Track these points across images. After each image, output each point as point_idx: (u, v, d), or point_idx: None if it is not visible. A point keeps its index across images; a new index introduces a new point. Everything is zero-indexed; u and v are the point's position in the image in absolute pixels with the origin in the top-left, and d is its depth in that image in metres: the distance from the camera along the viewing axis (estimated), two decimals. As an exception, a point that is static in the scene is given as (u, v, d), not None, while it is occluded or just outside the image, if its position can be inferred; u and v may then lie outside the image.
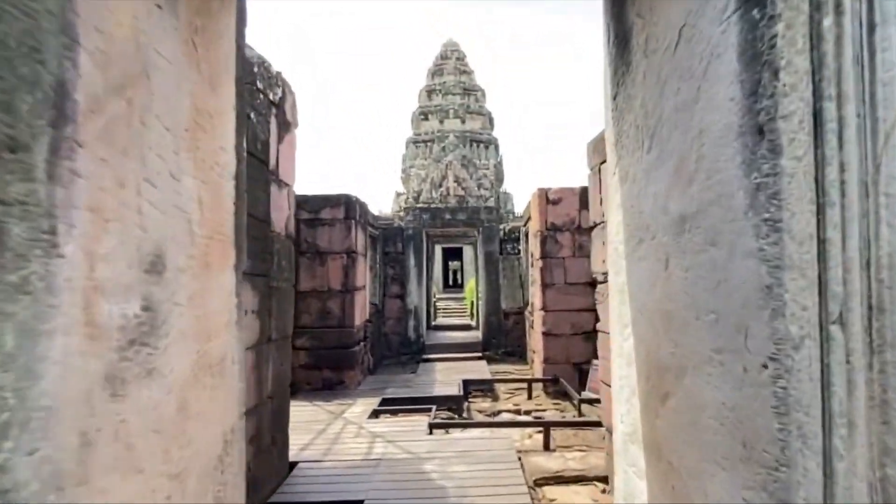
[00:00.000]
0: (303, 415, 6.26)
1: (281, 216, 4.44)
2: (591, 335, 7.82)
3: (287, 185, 4.55)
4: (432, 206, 11.14)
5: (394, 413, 6.17)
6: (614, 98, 2.10)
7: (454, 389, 7.34)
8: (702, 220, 1.37)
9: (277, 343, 4.35)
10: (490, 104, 42.67)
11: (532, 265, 8.92)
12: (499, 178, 41.15)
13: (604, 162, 4.54)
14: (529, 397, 7.68)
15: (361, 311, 8.28)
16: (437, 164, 36.70)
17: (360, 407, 6.59)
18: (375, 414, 6.11)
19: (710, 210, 1.33)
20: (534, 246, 8.51)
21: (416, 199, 30.85)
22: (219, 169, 1.90)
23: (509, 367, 9.83)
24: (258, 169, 3.85)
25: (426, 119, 44.08)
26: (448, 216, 10.65)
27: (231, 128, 2.06)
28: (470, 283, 20.21)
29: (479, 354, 10.17)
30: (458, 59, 44.81)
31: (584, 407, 6.68)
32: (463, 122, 44.30)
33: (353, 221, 7.71)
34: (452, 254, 32.94)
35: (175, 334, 1.49)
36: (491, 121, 45.51)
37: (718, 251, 1.30)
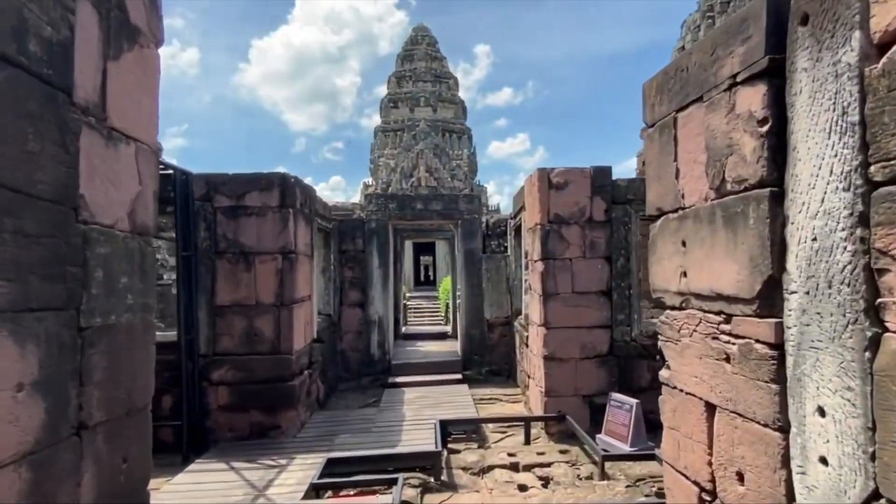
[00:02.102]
0: (209, 493, 4.28)
1: (121, 196, 2.43)
2: (605, 359, 6.03)
3: (135, 140, 2.53)
4: (400, 193, 9.14)
5: (339, 489, 4.22)
6: None
7: (428, 437, 5.45)
8: None
9: (108, 429, 2.37)
10: (463, 93, 40.90)
11: (527, 267, 7.07)
12: (472, 170, 39.37)
13: (682, 108, 2.75)
14: (528, 441, 5.86)
15: (305, 329, 6.28)
16: (407, 153, 34.66)
17: (297, 472, 4.64)
18: (315, 492, 4.16)
19: None
20: (530, 243, 6.66)
21: (386, 191, 28.70)
22: None
23: (496, 391, 8.00)
24: (39, 95, 1.87)
25: (396, 107, 41.92)
26: (420, 206, 8.71)
27: None
28: (445, 282, 18.32)
29: (459, 376, 8.30)
30: (428, 44, 42.78)
31: (611, 466, 4.89)
32: (435, 110, 42.34)
33: (290, 211, 5.69)
34: (424, 248, 31.00)
35: None
36: (464, 110, 43.68)
37: None
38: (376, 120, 39.74)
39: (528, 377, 6.97)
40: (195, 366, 5.55)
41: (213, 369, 5.60)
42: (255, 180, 5.65)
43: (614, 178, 6.14)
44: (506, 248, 9.03)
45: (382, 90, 40.07)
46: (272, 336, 5.65)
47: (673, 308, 2.78)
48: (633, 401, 5.35)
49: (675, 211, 2.73)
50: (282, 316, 5.65)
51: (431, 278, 33.91)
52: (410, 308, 19.80)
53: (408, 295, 21.05)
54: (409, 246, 26.00)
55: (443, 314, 18.02)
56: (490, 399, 7.72)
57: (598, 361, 6.01)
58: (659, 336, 2.96)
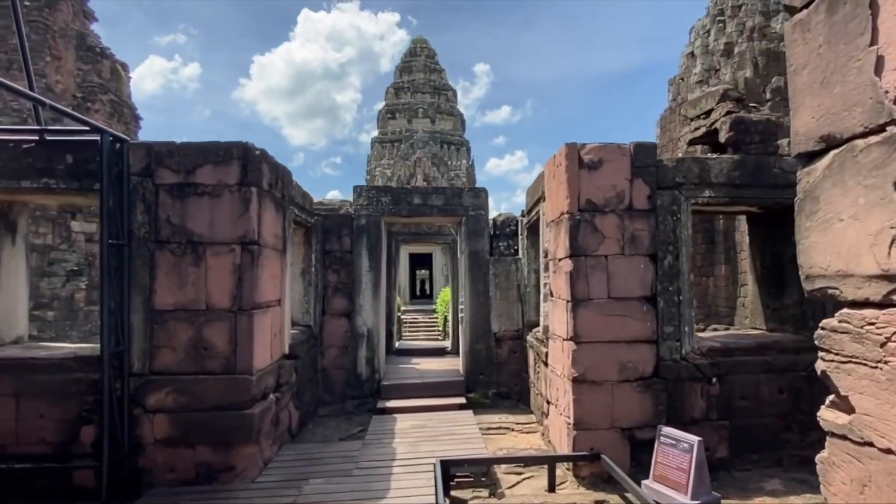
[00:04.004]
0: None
1: None
2: (650, 383, 4.80)
3: None
4: (394, 186, 7.99)
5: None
6: None
7: (425, 484, 4.18)
8: None
9: None
10: (462, 110, 40.39)
11: (546, 269, 5.86)
12: (471, 181, 38.28)
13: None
14: (552, 487, 4.58)
15: (272, 341, 5.02)
16: (404, 162, 33.60)
17: (246, 538, 3.35)
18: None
19: None
20: (552, 239, 5.46)
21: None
22: None
23: (506, 419, 6.72)
24: None
25: (393, 118, 41.06)
26: (417, 200, 7.51)
27: None
28: (443, 294, 17.07)
29: (462, 399, 7.01)
30: (427, 56, 42.16)
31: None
32: (433, 122, 41.52)
33: (254, 190, 4.48)
34: (420, 260, 29.80)
35: None
36: (463, 122, 42.90)
37: None
38: (374, 133, 38.88)
39: (548, 403, 5.72)
40: (125, 387, 4.28)
41: (150, 392, 4.34)
42: (208, 151, 4.44)
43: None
44: (516, 250, 7.82)
45: (381, 105, 39.31)
46: (226, 350, 4.39)
47: (865, 304, 1.57)
48: (694, 438, 4.11)
49: (876, 132, 1.53)
50: (239, 324, 4.40)
51: (427, 292, 32.73)
52: (406, 322, 18.54)
53: (403, 308, 19.78)
54: (404, 258, 24.78)
55: (440, 328, 16.75)
56: (499, 428, 6.44)
57: (640, 385, 4.77)
58: (821, 354, 1.75)
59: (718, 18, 21.47)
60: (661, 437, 4.37)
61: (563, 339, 4.99)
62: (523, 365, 7.42)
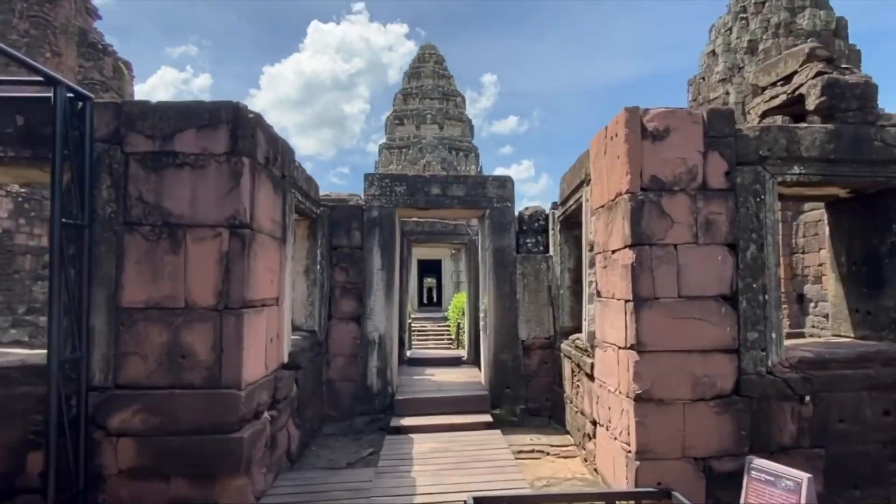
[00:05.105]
0: None
1: None
2: (730, 402, 3.90)
3: None
4: (410, 174, 7.17)
5: None
6: None
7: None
8: None
9: None
10: (471, 109, 39.81)
11: (592, 265, 4.98)
12: (480, 187, 37.31)
13: None
14: (610, 532, 3.68)
15: (267, 348, 4.16)
16: (412, 167, 32.84)
17: None
18: None
19: None
20: (599, 228, 4.58)
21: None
22: None
23: (538, 440, 5.81)
24: None
25: (401, 124, 40.48)
26: (436, 190, 6.66)
27: None
28: (455, 300, 16.18)
29: (487, 417, 6.10)
30: (436, 62, 41.67)
31: None
32: (441, 128, 40.89)
33: (245, 162, 3.65)
34: (428, 267, 28.95)
35: None
36: (471, 128, 42.30)
37: None
38: (382, 140, 38.35)
39: (594, 424, 4.81)
40: (82, 405, 3.43)
41: (113, 411, 3.48)
42: (191, 112, 3.62)
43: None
44: (546, 246, 6.95)
45: (389, 111, 38.84)
46: (210, 358, 3.54)
47: None
48: (802, 475, 3.21)
49: None
50: (226, 326, 3.55)
51: (435, 300, 31.95)
52: (414, 330, 17.67)
53: (412, 316, 18.92)
54: (413, 262, 23.94)
55: (453, 337, 15.85)
56: (532, 451, 5.53)
57: (718, 405, 3.87)
58: None
59: (741, 16, 20.67)
60: (753, 471, 3.47)
61: (620, 348, 4.10)
62: (555, 377, 6.51)
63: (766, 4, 19.81)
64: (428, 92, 40.84)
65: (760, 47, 18.89)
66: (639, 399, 3.83)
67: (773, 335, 4.00)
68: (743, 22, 20.47)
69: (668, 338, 3.86)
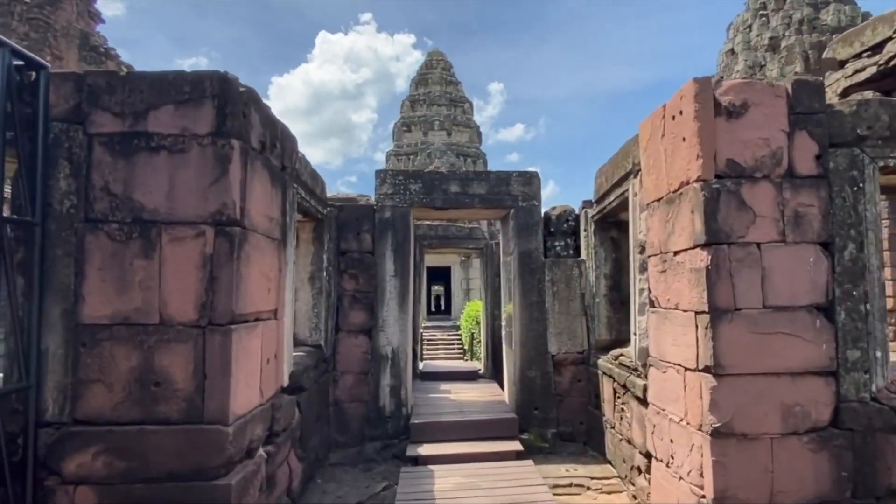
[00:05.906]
0: None
1: None
2: (827, 436, 3.17)
3: None
4: (426, 171, 6.51)
5: None
6: None
7: None
8: None
9: None
10: (478, 117, 39.51)
11: (643, 269, 4.27)
12: (489, 193, 36.79)
13: None
14: None
15: (262, 371, 3.47)
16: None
17: None
18: None
19: None
20: (655, 226, 3.88)
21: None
22: None
23: (575, 470, 5.08)
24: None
25: (409, 130, 40.05)
26: (455, 188, 5.99)
27: None
28: (469, 308, 15.45)
29: (517, 445, 5.36)
30: (443, 68, 41.29)
31: None
32: (449, 134, 40.42)
33: (235, 145, 2.99)
34: (436, 275, 28.29)
35: None
36: (479, 134, 41.79)
37: None
38: (390, 147, 37.97)
39: (648, 457, 4.08)
40: (30, 445, 2.76)
41: (70, 452, 2.81)
42: (168, 84, 2.96)
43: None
44: (576, 249, 6.25)
45: (397, 118, 38.52)
46: (190, 386, 2.86)
47: None
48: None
49: None
50: (210, 346, 2.87)
51: (444, 308, 31.40)
52: (424, 339, 17.04)
53: (423, 324, 18.28)
54: (423, 269, 23.29)
55: (465, 346, 15.14)
56: (569, 484, 4.81)
57: (813, 440, 3.14)
58: None
59: (761, 13, 19.96)
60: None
61: (687, 370, 3.39)
62: (590, 397, 5.79)
63: (788, 0, 19.10)
64: (435, 98, 40.46)
65: (783, 44, 18.19)
66: (716, 434, 3.11)
67: (878, 353, 3.27)
68: (763, 19, 19.79)
69: (752, 358, 3.14)
